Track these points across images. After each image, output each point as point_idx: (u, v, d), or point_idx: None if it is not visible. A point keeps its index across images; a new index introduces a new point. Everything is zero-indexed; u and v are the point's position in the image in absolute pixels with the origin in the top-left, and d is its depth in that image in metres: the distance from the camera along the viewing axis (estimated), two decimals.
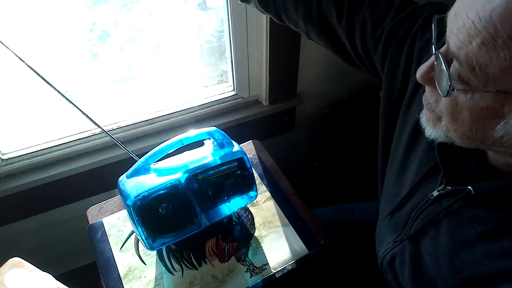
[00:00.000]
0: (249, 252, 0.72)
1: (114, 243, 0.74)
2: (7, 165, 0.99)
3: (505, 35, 0.31)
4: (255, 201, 0.78)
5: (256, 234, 0.75)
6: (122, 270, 0.70)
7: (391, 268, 0.61)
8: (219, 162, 0.63)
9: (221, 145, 0.65)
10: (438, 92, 0.39)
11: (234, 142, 0.67)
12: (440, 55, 0.36)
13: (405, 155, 0.58)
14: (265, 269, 0.69)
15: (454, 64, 0.36)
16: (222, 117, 1.15)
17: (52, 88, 0.60)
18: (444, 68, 0.36)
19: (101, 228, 0.77)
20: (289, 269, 0.70)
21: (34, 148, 1.01)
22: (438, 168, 0.51)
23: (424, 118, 0.45)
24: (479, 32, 0.32)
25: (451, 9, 0.36)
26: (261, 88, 1.16)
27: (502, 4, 0.31)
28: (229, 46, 1.05)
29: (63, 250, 1.23)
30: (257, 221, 0.77)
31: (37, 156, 1.01)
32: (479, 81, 0.34)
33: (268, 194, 0.82)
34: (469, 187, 0.45)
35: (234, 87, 1.15)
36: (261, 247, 0.73)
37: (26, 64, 0.58)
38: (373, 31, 0.59)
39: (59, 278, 0.67)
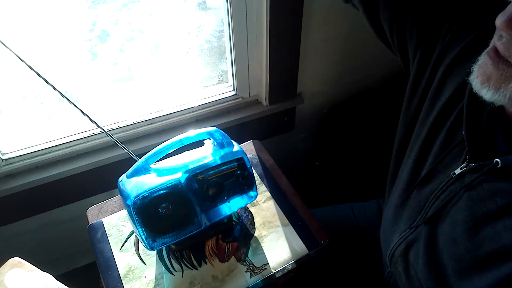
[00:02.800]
0: (249, 252, 0.72)
1: (114, 243, 0.74)
2: (7, 165, 0.99)
3: None
4: (255, 201, 0.78)
5: (256, 234, 0.75)
6: (122, 270, 0.70)
7: (404, 258, 0.60)
8: (219, 162, 0.63)
9: (221, 145, 0.65)
10: None
11: (234, 142, 0.67)
12: None
13: (426, 140, 0.58)
14: (265, 269, 0.69)
15: None
16: (222, 117, 1.15)
17: (52, 88, 0.60)
18: None
19: (101, 228, 0.77)
20: (289, 269, 0.70)
21: (34, 148, 1.00)
22: (461, 147, 0.51)
23: (480, 79, 0.40)
24: None
25: None
26: (261, 88, 1.16)
27: None
28: (229, 46, 1.05)
29: (63, 250, 1.24)
30: (257, 221, 0.77)
31: (37, 156, 1.01)
32: None
33: (268, 194, 0.82)
34: (497, 160, 0.44)
35: (234, 87, 1.15)
36: (261, 247, 0.73)
37: (26, 64, 0.58)
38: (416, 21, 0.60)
39: (59, 278, 0.67)
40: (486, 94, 0.40)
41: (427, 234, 0.54)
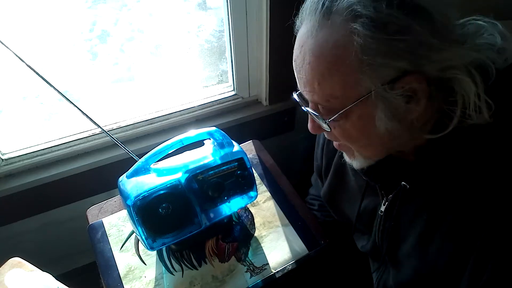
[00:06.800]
0: (249, 252, 0.72)
1: (114, 243, 0.74)
2: (7, 165, 0.99)
3: (325, 67, 0.41)
4: (255, 201, 0.78)
5: (256, 234, 0.75)
6: (122, 270, 0.70)
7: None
8: (219, 162, 0.63)
9: (221, 145, 0.65)
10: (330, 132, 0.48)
11: (234, 142, 0.67)
12: (308, 109, 0.48)
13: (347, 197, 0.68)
14: (265, 269, 0.69)
15: (319, 106, 0.46)
16: (222, 117, 1.15)
17: (52, 88, 0.60)
18: (314, 114, 0.47)
19: (101, 228, 0.77)
20: (289, 269, 0.70)
21: (34, 148, 1.00)
22: (371, 190, 0.60)
23: (347, 158, 0.55)
24: (311, 78, 0.43)
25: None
26: (261, 88, 1.16)
27: (310, 50, 0.42)
28: (229, 46, 1.05)
29: (63, 250, 1.23)
30: (257, 221, 0.77)
31: (37, 156, 1.01)
32: (338, 105, 0.43)
33: (268, 194, 0.82)
34: (403, 183, 0.52)
35: (234, 87, 1.15)
36: (261, 247, 0.73)
37: (26, 64, 0.58)
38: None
39: (59, 278, 0.67)
40: (355, 164, 0.53)
41: (394, 271, 0.60)
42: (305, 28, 0.43)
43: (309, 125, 0.50)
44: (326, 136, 0.54)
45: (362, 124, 0.44)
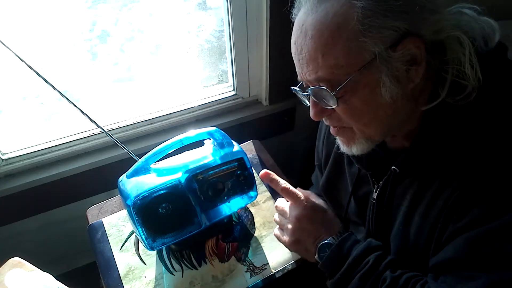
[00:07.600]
0: (249, 252, 0.72)
1: (114, 243, 0.74)
2: (7, 165, 0.99)
3: (328, 36, 0.42)
4: (255, 201, 0.78)
5: (256, 234, 0.75)
6: (122, 270, 0.70)
7: None
8: (219, 162, 0.63)
9: (221, 145, 0.65)
10: (334, 111, 0.48)
11: (234, 142, 0.67)
12: (313, 88, 0.47)
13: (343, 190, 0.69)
14: (265, 269, 0.69)
15: (321, 84, 0.46)
16: (222, 117, 1.15)
17: (52, 88, 0.60)
18: (322, 88, 0.46)
19: (101, 228, 0.77)
20: (289, 269, 0.70)
21: (34, 148, 1.00)
22: (361, 179, 0.62)
23: (343, 147, 0.54)
24: (315, 52, 0.43)
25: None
26: (261, 88, 1.16)
27: (310, 28, 0.43)
28: (229, 46, 1.05)
29: (63, 250, 1.23)
30: (257, 221, 0.77)
31: (37, 156, 1.01)
32: (343, 75, 0.44)
33: (268, 194, 0.82)
34: (393, 167, 0.53)
35: (234, 87, 1.15)
36: (261, 247, 0.73)
37: (26, 64, 0.58)
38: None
39: (59, 278, 0.67)
40: (354, 150, 0.53)
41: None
42: (303, 10, 0.45)
43: (311, 112, 0.50)
44: (326, 122, 0.53)
45: (368, 93, 0.45)
